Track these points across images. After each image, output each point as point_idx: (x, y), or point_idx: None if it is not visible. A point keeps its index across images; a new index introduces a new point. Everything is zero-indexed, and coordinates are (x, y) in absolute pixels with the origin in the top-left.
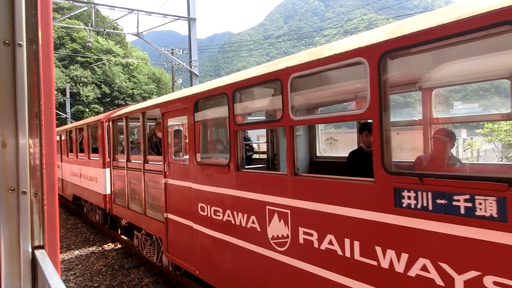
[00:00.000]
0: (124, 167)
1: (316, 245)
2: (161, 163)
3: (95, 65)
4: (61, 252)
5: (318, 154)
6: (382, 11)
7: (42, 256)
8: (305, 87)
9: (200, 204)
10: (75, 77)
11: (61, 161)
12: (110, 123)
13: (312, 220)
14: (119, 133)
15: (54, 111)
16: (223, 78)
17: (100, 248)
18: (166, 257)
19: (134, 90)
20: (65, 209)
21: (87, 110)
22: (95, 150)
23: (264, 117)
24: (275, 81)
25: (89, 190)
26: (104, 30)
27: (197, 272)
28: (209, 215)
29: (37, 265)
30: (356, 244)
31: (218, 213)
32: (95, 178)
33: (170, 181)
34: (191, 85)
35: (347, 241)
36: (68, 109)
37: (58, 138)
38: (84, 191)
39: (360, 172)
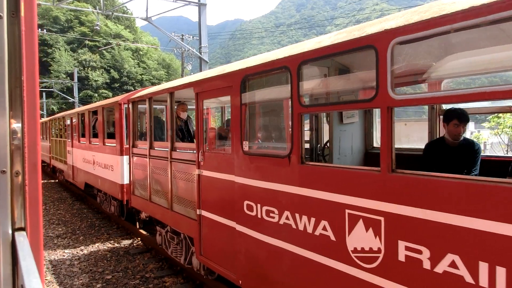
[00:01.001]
0: (146, 155)
1: (427, 265)
2: (194, 151)
3: (103, 49)
4: (65, 237)
5: (374, 145)
6: (394, 1)
7: (21, 238)
8: (410, 57)
9: (246, 202)
10: (83, 61)
11: (72, 147)
12: (130, 105)
13: (422, 232)
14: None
15: (37, 87)
16: (283, 49)
17: (106, 234)
18: (198, 260)
19: (143, 76)
20: (70, 194)
21: (96, 95)
22: (110, 135)
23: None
24: (366, 49)
25: (104, 179)
26: (113, 13)
27: (240, 281)
28: (259, 216)
29: (17, 247)
30: (501, 271)
31: (272, 214)
32: (110, 166)
33: (205, 173)
34: (200, 71)
35: (482, 266)
36: (76, 94)
37: (68, 121)
38: (98, 180)
39: (441, 167)
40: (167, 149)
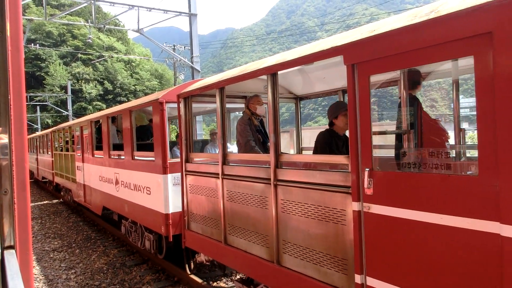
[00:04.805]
0: (216, 174)
1: None
2: (341, 170)
3: (97, 62)
4: (61, 251)
5: None
6: (383, 6)
7: (9, 257)
8: None
9: None
10: (77, 74)
11: (83, 162)
12: (181, 103)
13: None
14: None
15: (24, 105)
16: None
17: (102, 246)
18: None
19: (136, 87)
20: (66, 207)
21: (90, 107)
22: (140, 147)
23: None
24: None
25: (134, 204)
26: (104, 26)
27: None
28: None
29: (5, 266)
30: None
31: None
32: (146, 188)
33: (381, 210)
34: None
35: None
36: (69, 106)
37: (78, 132)
38: (124, 205)
39: None
40: (267, 166)
